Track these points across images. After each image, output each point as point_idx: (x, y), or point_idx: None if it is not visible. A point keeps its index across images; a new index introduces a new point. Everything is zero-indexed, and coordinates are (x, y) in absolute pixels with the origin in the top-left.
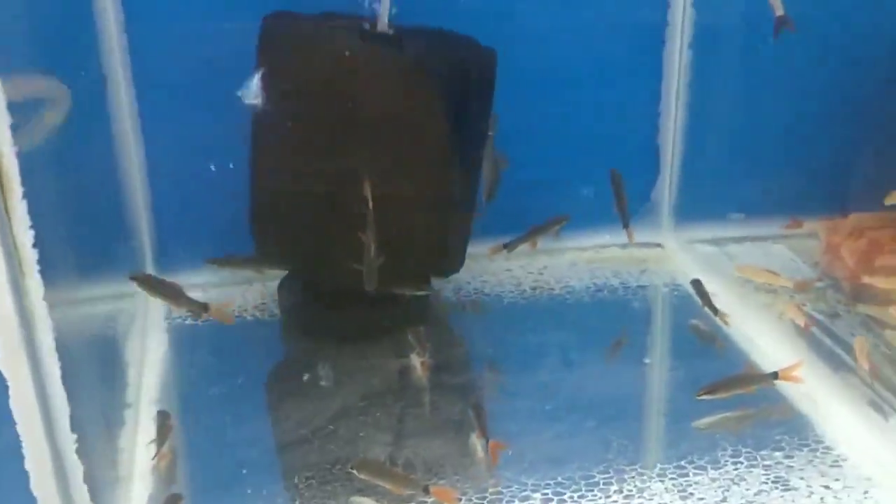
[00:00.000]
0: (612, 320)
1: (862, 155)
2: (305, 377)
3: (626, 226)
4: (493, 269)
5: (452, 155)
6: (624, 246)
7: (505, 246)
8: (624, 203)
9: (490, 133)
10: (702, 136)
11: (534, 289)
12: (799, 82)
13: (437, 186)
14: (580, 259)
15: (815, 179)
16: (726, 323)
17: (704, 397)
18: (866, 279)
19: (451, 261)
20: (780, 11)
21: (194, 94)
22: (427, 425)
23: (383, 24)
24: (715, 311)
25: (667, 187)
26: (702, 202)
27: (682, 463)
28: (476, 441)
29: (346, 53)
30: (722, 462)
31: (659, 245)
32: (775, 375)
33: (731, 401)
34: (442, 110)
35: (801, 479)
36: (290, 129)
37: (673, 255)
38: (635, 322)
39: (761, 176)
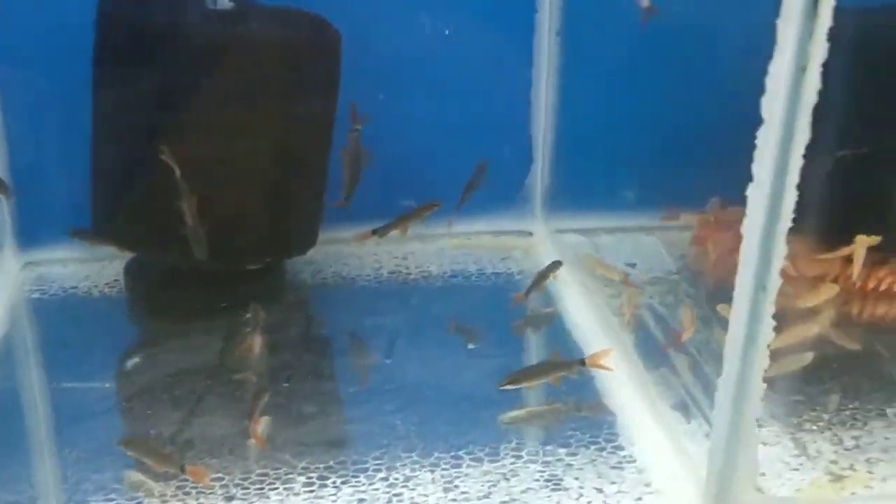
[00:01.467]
0: (456, 306)
1: (742, 148)
2: (130, 361)
3: (457, 208)
4: (360, 252)
5: (290, 135)
6: (496, 234)
7: (374, 232)
8: (468, 192)
9: (357, 126)
10: (574, 124)
11: (392, 273)
12: (673, 70)
13: (272, 166)
14: (448, 246)
15: (695, 170)
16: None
17: (507, 387)
18: (725, 275)
19: (295, 241)
20: (645, 3)
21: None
22: (225, 404)
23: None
24: (528, 291)
25: (539, 176)
26: (574, 191)
27: (461, 453)
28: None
29: (182, 28)
30: (501, 456)
31: (529, 233)
32: (582, 362)
33: (542, 393)
34: (278, 88)
35: (576, 479)
36: (125, 106)
37: (540, 244)
38: (479, 308)
39: (636, 165)
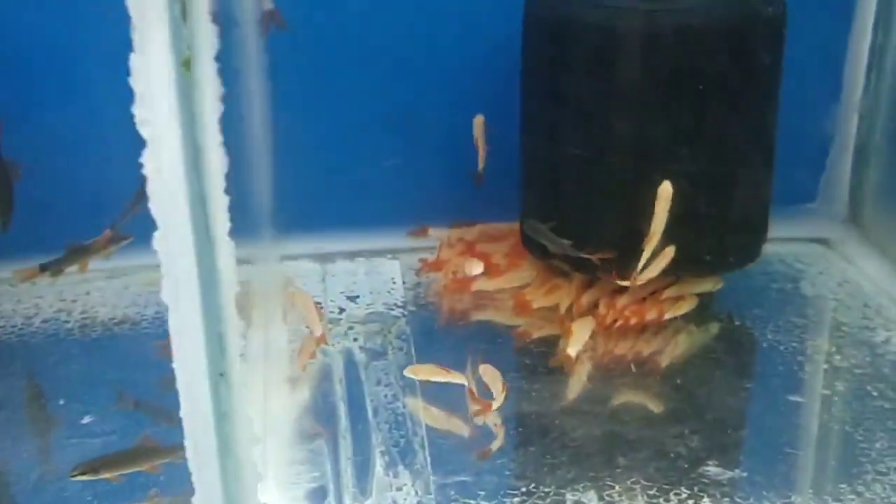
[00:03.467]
0: (96, 364)
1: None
2: None
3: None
4: (33, 292)
5: None
6: (242, 261)
7: (43, 268)
8: (128, 212)
9: None
10: (298, 138)
11: (46, 321)
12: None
13: None
14: (137, 282)
15: (448, 183)
16: None
17: (81, 478)
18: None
19: None
20: (268, 4)
21: None
22: None
23: None
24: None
25: (265, 199)
26: (307, 212)
27: None
28: None
29: None
30: None
31: (247, 262)
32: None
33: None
34: None
35: None
36: None
37: (264, 273)
38: (124, 366)
39: (378, 179)
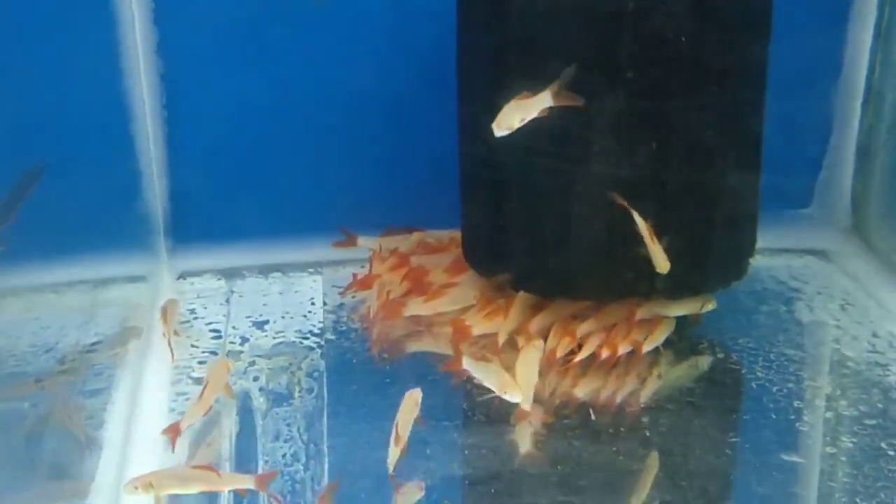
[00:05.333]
0: None
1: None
2: None
3: None
4: None
5: None
6: (133, 279)
7: None
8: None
9: None
10: (191, 144)
11: None
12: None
13: None
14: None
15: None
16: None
17: None
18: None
19: None
20: None
21: None
22: None
23: None
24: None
25: (159, 206)
26: (210, 222)
27: None
28: None
29: None
30: None
31: (143, 278)
32: None
33: None
34: None
35: None
36: None
37: (157, 292)
38: None
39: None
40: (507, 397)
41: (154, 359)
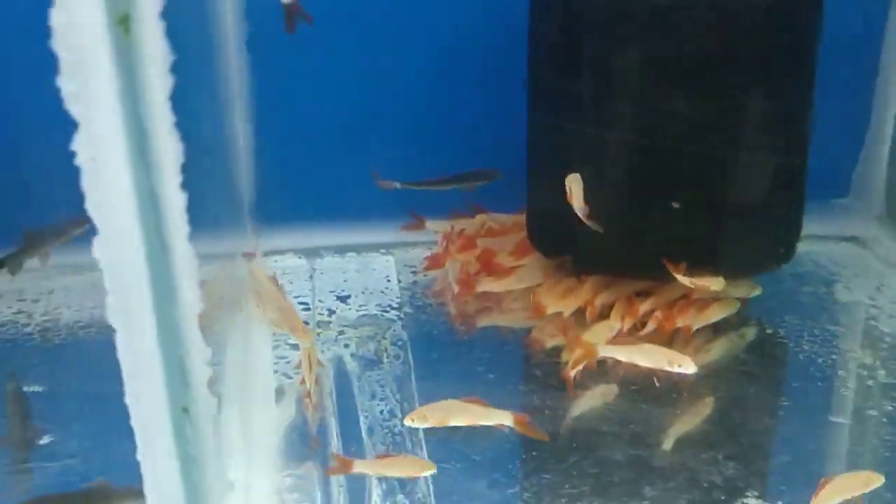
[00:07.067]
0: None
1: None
2: None
3: None
4: None
5: None
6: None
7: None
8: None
9: None
10: (280, 126)
11: (2, 325)
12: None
13: None
14: None
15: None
16: None
17: None
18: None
19: None
20: None
21: None
22: None
23: None
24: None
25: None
26: (292, 204)
27: None
28: None
29: None
30: None
31: (228, 257)
32: None
33: None
34: None
35: None
36: None
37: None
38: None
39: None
40: (680, 370)
41: (254, 326)
